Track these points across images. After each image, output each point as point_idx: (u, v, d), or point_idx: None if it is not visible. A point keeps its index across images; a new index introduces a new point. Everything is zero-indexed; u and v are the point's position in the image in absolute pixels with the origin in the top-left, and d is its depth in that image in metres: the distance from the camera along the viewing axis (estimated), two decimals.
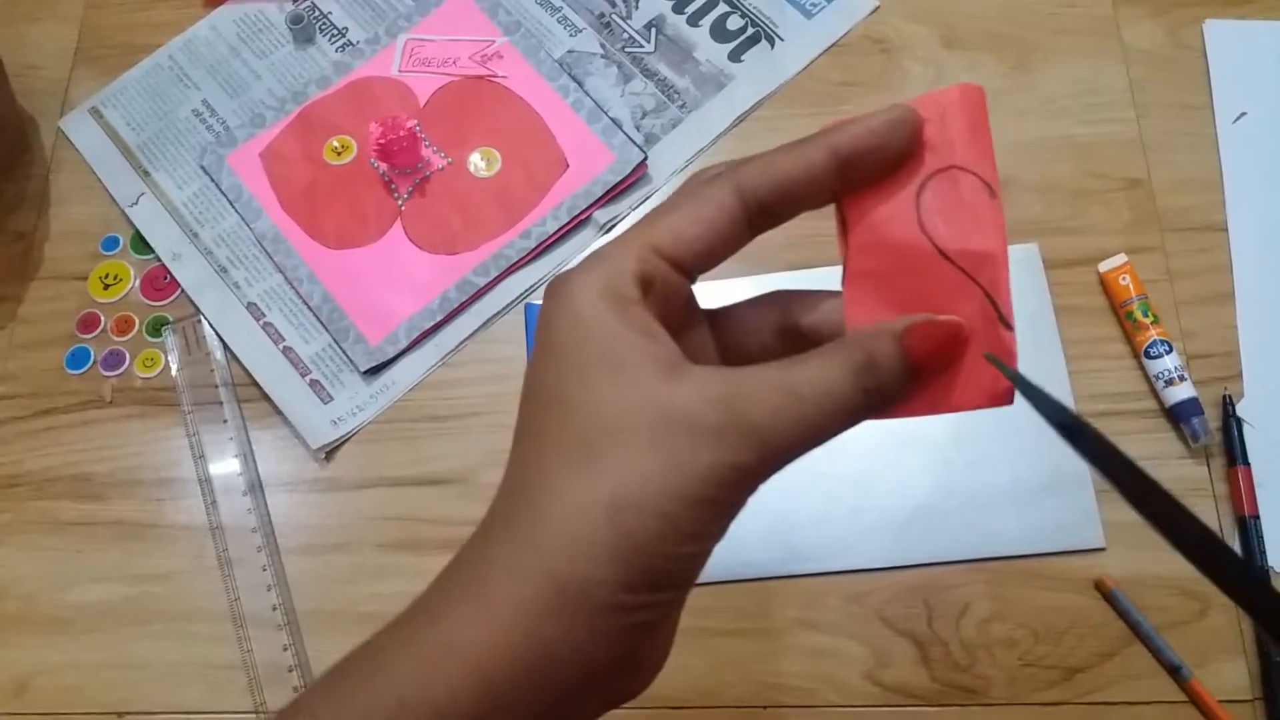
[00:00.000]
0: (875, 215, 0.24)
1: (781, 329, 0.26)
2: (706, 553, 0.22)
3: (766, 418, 0.21)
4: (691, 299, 0.25)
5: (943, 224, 0.24)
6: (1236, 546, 0.48)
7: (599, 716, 0.24)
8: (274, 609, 0.50)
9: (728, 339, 0.26)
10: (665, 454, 0.21)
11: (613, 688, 0.23)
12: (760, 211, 0.24)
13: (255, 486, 0.52)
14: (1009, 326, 0.23)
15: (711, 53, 0.59)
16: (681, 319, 0.25)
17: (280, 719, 0.23)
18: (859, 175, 0.24)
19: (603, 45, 0.60)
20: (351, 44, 0.61)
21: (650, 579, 0.22)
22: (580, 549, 0.21)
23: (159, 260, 0.57)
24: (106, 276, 0.57)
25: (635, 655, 0.23)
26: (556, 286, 0.24)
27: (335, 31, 0.62)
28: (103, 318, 0.56)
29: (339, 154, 0.58)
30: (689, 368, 0.22)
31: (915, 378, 0.23)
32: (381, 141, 0.55)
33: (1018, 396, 0.23)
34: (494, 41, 0.60)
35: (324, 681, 0.24)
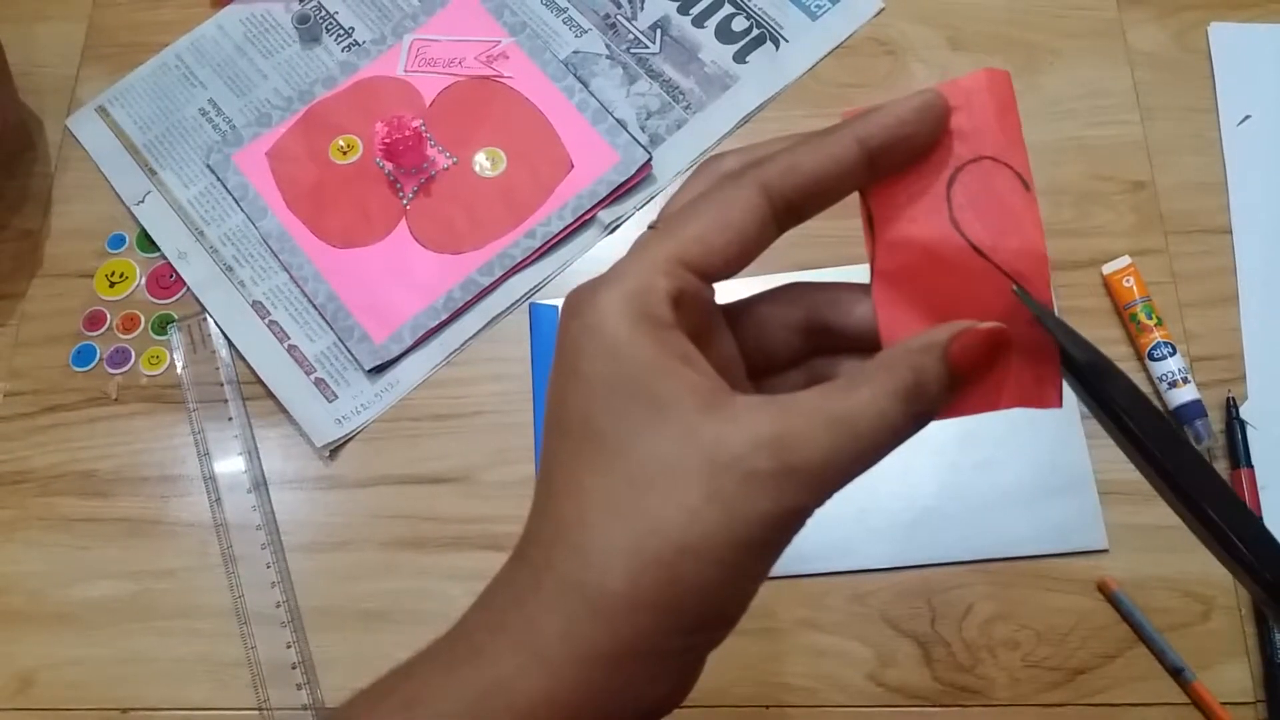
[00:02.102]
0: (904, 211, 0.23)
1: (807, 327, 0.25)
2: (760, 585, 0.22)
3: (820, 458, 0.21)
4: (713, 304, 0.24)
5: (976, 220, 0.23)
6: None
7: None
8: (278, 606, 0.50)
9: (749, 340, 0.25)
10: (719, 502, 0.20)
11: (656, 714, 0.23)
12: (787, 210, 0.23)
13: (259, 484, 0.52)
14: None
15: (716, 54, 0.60)
16: (707, 328, 0.24)
17: None
18: (888, 165, 0.23)
19: (608, 46, 0.60)
20: (358, 44, 0.61)
21: (709, 624, 0.22)
22: (639, 600, 0.21)
23: (165, 258, 0.57)
24: (112, 274, 0.57)
25: (684, 688, 0.23)
26: (582, 304, 0.22)
27: (341, 31, 0.62)
28: (108, 315, 0.56)
29: (345, 153, 0.58)
30: (731, 400, 0.21)
31: (959, 389, 0.22)
32: (387, 141, 0.55)
33: (1067, 392, 0.23)
34: (499, 42, 0.60)
35: (352, 708, 0.23)
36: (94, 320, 0.56)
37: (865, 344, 0.24)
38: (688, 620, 0.21)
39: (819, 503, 0.21)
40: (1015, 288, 0.23)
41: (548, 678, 0.21)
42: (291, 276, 0.56)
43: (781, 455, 0.21)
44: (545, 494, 0.23)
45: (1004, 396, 0.23)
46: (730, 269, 0.23)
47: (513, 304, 0.55)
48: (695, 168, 0.25)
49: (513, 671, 0.21)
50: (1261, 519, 0.46)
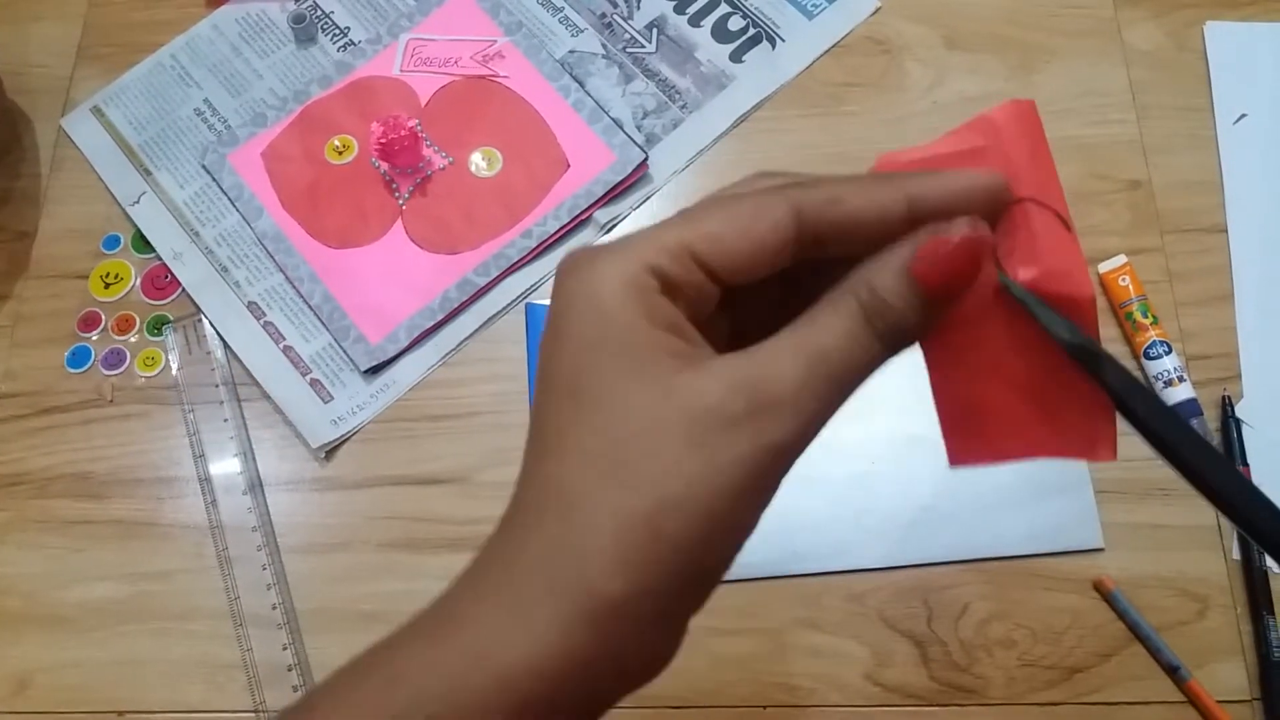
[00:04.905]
0: None
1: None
2: (746, 539, 0.22)
3: (792, 388, 0.21)
4: (714, 301, 0.24)
5: (1023, 269, 0.22)
6: (1236, 551, 0.48)
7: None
8: (274, 608, 0.50)
9: (749, 325, 0.25)
10: (699, 452, 0.21)
11: (639, 679, 0.23)
12: (814, 240, 0.22)
13: (255, 485, 0.52)
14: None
15: (713, 53, 0.59)
16: (704, 314, 0.23)
17: (286, 718, 0.23)
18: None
19: (604, 45, 0.60)
20: (353, 44, 0.61)
21: (695, 580, 0.21)
22: (626, 563, 0.20)
23: (160, 259, 0.57)
24: (107, 275, 0.57)
25: (669, 650, 0.23)
26: (579, 266, 0.22)
27: (337, 31, 0.62)
28: (104, 316, 0.56)
29: (340, 153, 0.58)
30: (708, 358, 0.22)
31: (937, 309, 0.22)
32: (383, 141, 0.55)
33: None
34: (495, 41, 0.60)
35: (336, 683, 0.23)
36: (89, 321, 0.56)
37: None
38: (671, 577, 0.21)
39: (799, 438, 0.21)
40: (1001, 277, 0.22)
41: (530, 644, 0.21)
42: (287, 277, 0.56)
43: (754, 394, 0.21)
44: (533, 455, 0.23)
45: (1051, 444, 0.23)
46: (738, 275, 0.22)
47: (509, 304, 0.55)
48: (746, 176, 0.24)
49: (495, 639, 0.21)
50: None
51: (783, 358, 0.21)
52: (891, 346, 0.22)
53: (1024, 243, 0.22)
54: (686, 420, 0.21)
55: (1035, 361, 0.22)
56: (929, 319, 0.22)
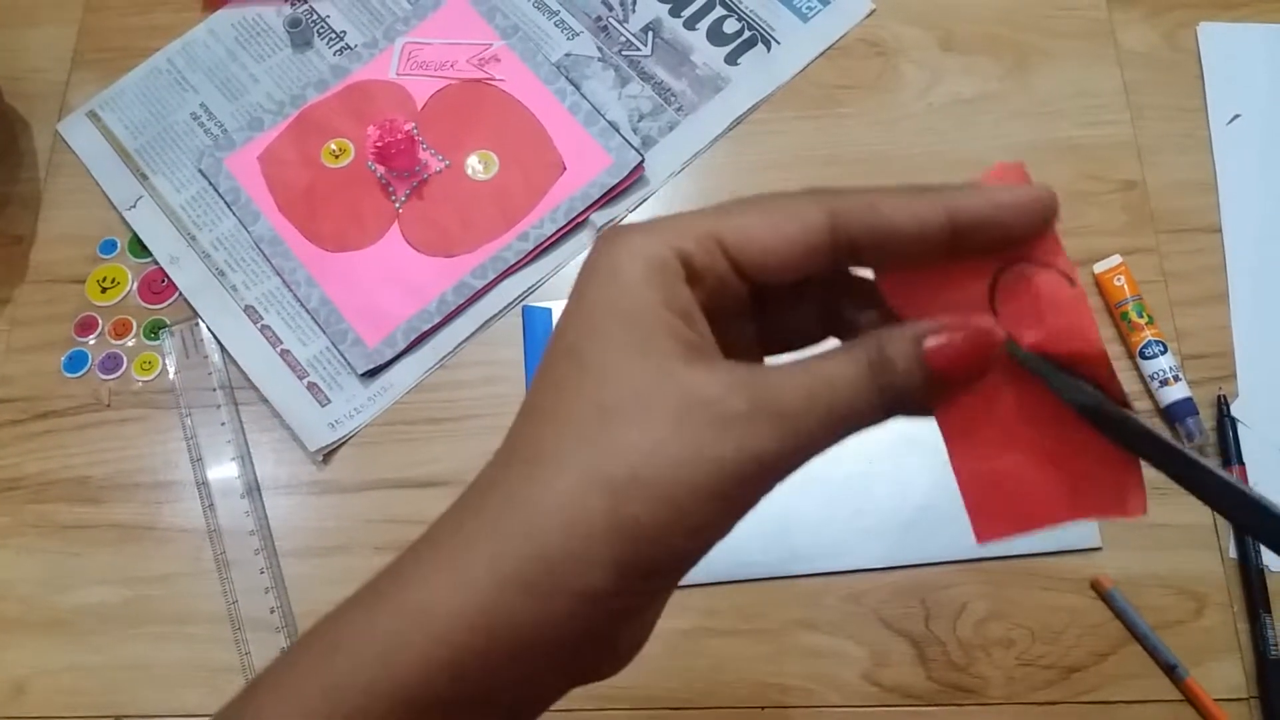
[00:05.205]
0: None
1: (826, 317, 0.25)
2: (706, 549, 0.21)
3: (798, 403, 0.20)
4: (739, 293, 0.23)
5: (1029, 332, 0.22)
6: (1233, 550, 0.48)
7: (567, 692, 0.23)
8: (272, 611, 0.50)
9: (774, 324, 0.25)
10: (685, 437, 0.20)
11: (584, 667, 0.22)
12: (849, 247, 0.22)
13: (253, 489, 0.52)
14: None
15: (708, 56, 0.60)
16: (725, 311, 0.23)
17: (231, 709, 0.22)
18: (968, 247, 0.22)
19: (600, 48, 0.60)
20: (349, 48, 0.61)
21: (642, 568, 0.20)
22: (575, 526, 0.20)
23: (157, 263, 0.57)
24: (104, 280, 0.57)
25: (612, 639, 0.22)
26: (610, 239, 0.22)
27: (333, 35, 0.62)
28: (100, 321, 0.56)
29: (337, 157, 0.58)
30: (717, 358, 0.22)
31: (940, 387, 0.22)
32: (379, 144, 0.55)
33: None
34: (491, 45, 0.60)
35: (277, 662, 0.22)
36: (86, 326, 0.56)
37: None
38: (626, 564, 0.20)
39: (787, 457, 0.21)
40: (1008, 344, 0.22)
41: (466, 599, 0.20)
42: (284, 280, 0.56)
43: (754, 397, 0.20)
44: (522, 413, 0.22)
45: (1079, 507, 0.22)
46: (765, 271, 0.22)
47: (505, 307, 0.55)
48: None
49: (433, 594, 0.21)
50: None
51: (790, 376, 0.21)
52: (890, 407, 0.21)
53: (1027, 305, 0.22)
54: (681, 406, 0.20)
55: (1053, 425, 0.22)
56: (932, 395, 0.22)
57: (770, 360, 0.26)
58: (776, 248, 0.22)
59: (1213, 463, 0.21)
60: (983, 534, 0.23)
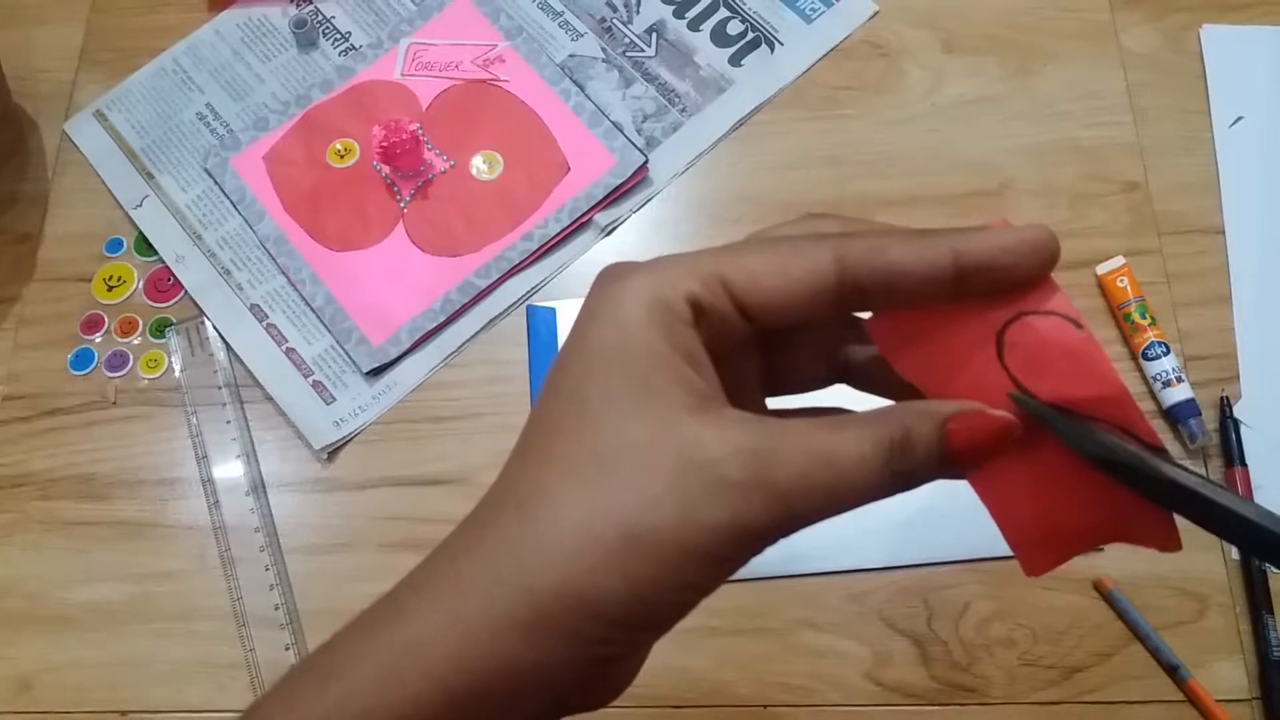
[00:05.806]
0: (959, 385, 0.22)
1: (831, 361, 0.25)
2: (695, 603, 0.21)
3: (791, 481, 0.20)
4: (744, 335, 0.23)
5: (1042, 382, 0.22)
6: (1234, 551, 0.48)
7: None
8: (276, 608, 0.50)
9: (780, 365, 0.25)
10: (679, 499, 0.20)
11: (570, 703, 0.23)
12: (856, 290, 0.22)
13: (258, 487, 0.52)
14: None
15: (712, 57, 0.60)
16: (728, 350, 0.23)
17: None
18: (973, 289, 0.22)
19: (604, 49, 0.60)
20: (354, 48, 0.61)
21: (631, 619, 0.21)
22: (568, 578, 0.20)
23: (163, 262, 0.57)
24: (110, 278, 0.57)
25: (597, 681, 0.23)
26: (612, 277, 0.22)
27: (338, 36, 0.62)
28: (106, 319, 0.56)
29: (342, 157, 0.58)
30: (721, 408, 0.21)
31: (950, 468, 0.22)
32: (384, 144, 0.55)
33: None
34: (496, 46, 0.60)
35: (276, 687, 0.23)
36: (92, 324, 0.56)
37: (880, 382, 0.24)
38: (616, 614, 0.20)
39: (779, 530, 0.21)
40: (1016, 396, 0.22)
41: (460, 639, 0.21)
42: (289, 279, 0.56)
43: (754, 468, 0.20)
44: (517, 453, 0.23)
45: (1120, 534, 0.22)
46: (769, 312, 0.22)
47: (510, 306, 0.55)
48: (794, 218, 0.24)
49: (429, 631, 0.21)
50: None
51: (795, 448, 0.20)
52: (895, 486, 0.21)
53: (1037, 355, 0.22)
54: (680, 464, 0.20)
55: (1078, 467, 0.22)
56: (937, 473, 0.22)
57: (774, 401, 0.26)
58: (782, 287, 0.21)
59: (1233, 499, 0.20)
60: (1031, 569, 0.23)
